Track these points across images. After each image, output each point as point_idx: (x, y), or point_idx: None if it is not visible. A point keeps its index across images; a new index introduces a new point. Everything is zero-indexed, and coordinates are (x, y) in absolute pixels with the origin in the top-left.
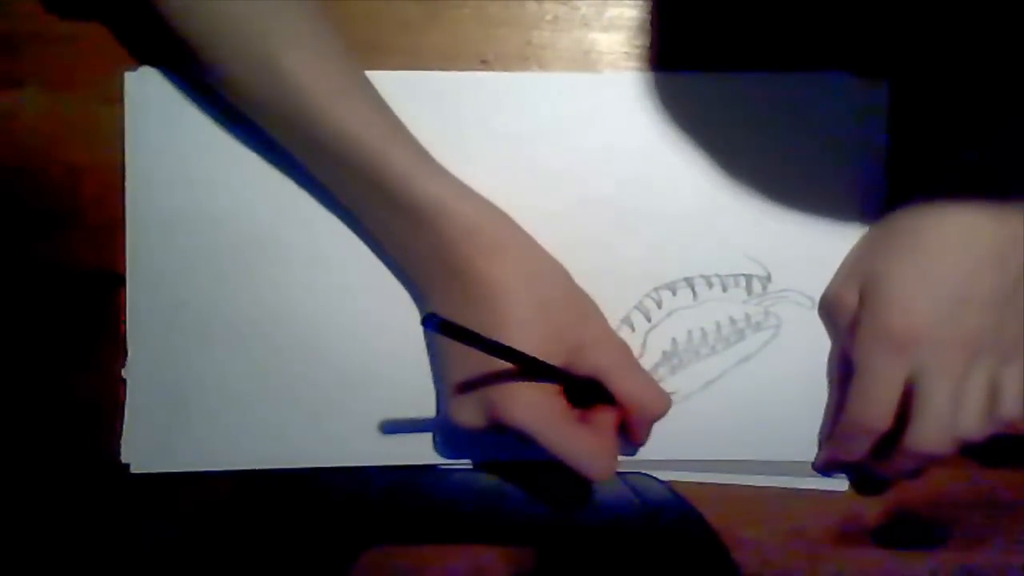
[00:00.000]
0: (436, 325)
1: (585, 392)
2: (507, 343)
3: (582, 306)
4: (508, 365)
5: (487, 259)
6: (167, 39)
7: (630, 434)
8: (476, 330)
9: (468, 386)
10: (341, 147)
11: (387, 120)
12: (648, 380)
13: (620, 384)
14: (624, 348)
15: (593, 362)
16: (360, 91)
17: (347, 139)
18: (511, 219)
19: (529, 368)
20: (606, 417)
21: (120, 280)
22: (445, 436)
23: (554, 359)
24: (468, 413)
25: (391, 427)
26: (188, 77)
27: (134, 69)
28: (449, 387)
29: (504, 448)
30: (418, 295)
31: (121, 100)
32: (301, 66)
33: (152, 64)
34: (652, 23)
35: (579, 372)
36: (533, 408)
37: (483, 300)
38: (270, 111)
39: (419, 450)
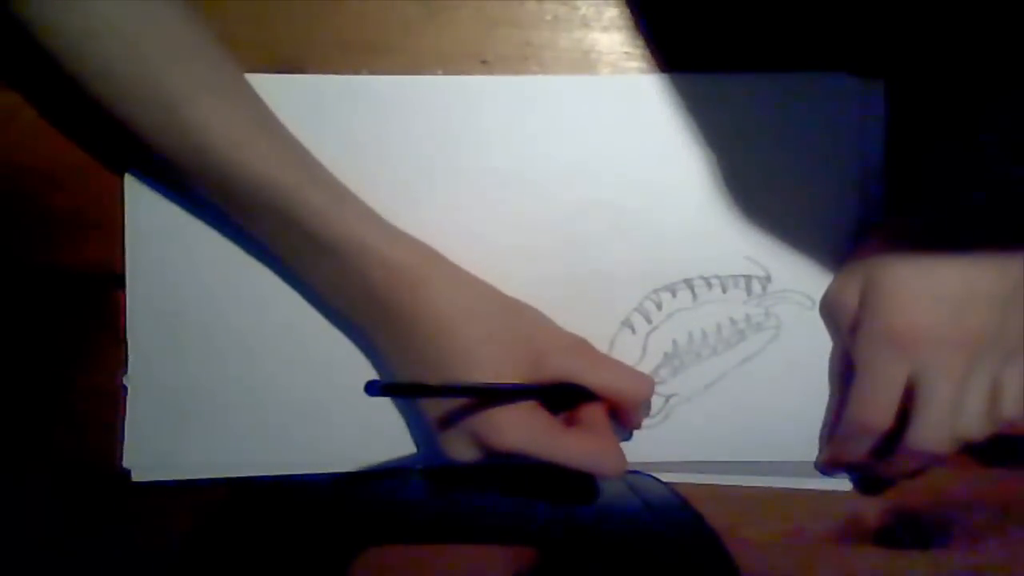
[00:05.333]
0: (380, 390)
1: (562, 397)
2: (463, 373)
3: (527, 316)
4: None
5: (412, 294)
6: (75, 94)
7: (621, 422)
8: (430, 365)
9: (448, 422)
10: (254, 193)
11: (300, 159)
12: (621, 366)
13: (594, 379)
14: (583, 343)
15: (558, 366)
16: (270, 132)
17: (259, 184)
18: (431, 249)
19: (494, 395)
20: (594, 412)
21: (120, 280)
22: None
23: (518, 374)
24: (462, 450)
25: (376, 432)
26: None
27: None
28: (432, 425)
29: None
30: (365, 343)
31: None
32: (206, 114)
33: None
34: (651, 23)
35: (546, 380)
36: (521, 430)
37: (425, 336)
38: (180, 160)
39: (420, 456)
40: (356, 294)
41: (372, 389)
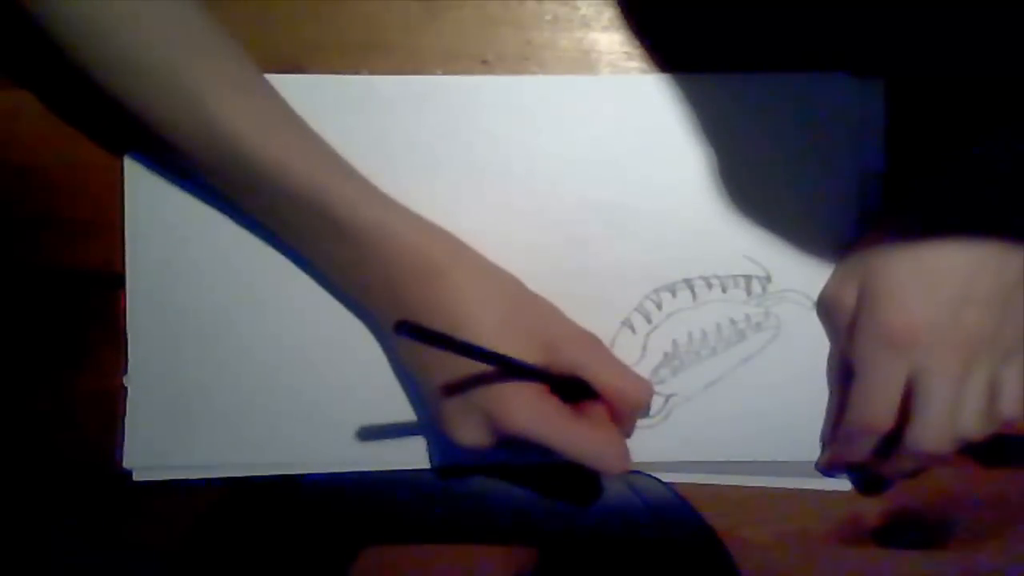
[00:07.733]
0: (409, 330)
1: (571, 389)
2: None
3: (542, 308)
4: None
5: (434, 281)
6: (95, 93)
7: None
8: (443, 356)
9: (457, 399)
10: (280, 182)
11: (323, 148)
12: (625, 368)
13: (599, 374)
14: (595, 340)
15: (569, 358)
16: (293, 122)
17: (286, 172)
18: (456, 238)
19: (511, 369)
20: (598, 411)
21: (120, 280)
22: (444, 447)
23: (530, 362)
24: (470, 433)
25: (377, 432)
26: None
27: None
28: (438, 407)
29: (509, 454)
30: (376, 328)
31: None
32: (231, 104)
33: None
34: (651, 23)
35: (557, 370)
36: (531, 411)
37: (442, 323)
38: (199, 152)
39: (421, 455)
40: (375, 281)
41: (401, 329)
